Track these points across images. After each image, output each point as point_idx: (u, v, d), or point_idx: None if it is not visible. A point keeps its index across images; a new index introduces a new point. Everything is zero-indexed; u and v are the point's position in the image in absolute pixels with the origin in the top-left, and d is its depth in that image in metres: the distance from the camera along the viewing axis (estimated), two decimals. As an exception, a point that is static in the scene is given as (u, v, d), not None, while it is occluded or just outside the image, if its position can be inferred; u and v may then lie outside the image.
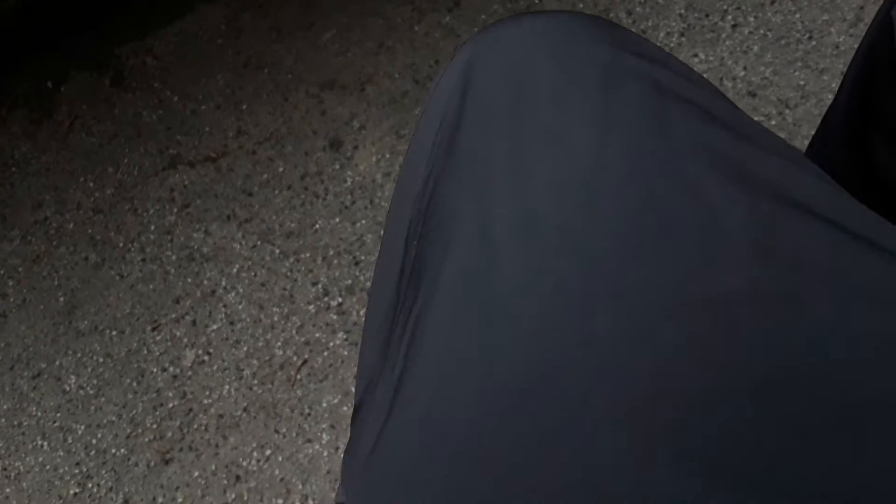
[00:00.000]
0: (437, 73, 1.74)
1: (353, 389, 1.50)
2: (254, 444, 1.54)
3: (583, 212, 0.49)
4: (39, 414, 1.70)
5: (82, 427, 1.66)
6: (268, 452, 1.52)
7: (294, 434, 1.52)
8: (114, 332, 1.72)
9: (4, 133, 2.04)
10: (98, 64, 2.05)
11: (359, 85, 1.81)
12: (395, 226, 0.61)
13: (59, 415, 1.69)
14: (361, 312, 1.57)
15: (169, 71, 1.99)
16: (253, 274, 1.69)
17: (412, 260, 0.56)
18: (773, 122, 1.51)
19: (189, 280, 1.73)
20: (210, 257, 1.73)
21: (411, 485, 0.48)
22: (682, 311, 0.45)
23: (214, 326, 1.66)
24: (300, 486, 1.48)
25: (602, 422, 0.43)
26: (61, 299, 1.80)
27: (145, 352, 1.69)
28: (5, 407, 1.73)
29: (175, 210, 1.81)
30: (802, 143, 1.47)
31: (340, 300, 1.61)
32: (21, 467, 1.66)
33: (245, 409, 1.57)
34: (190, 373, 1.64)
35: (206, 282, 1.71)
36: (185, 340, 1.67)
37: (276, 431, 1.53)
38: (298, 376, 1.57)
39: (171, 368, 1.65)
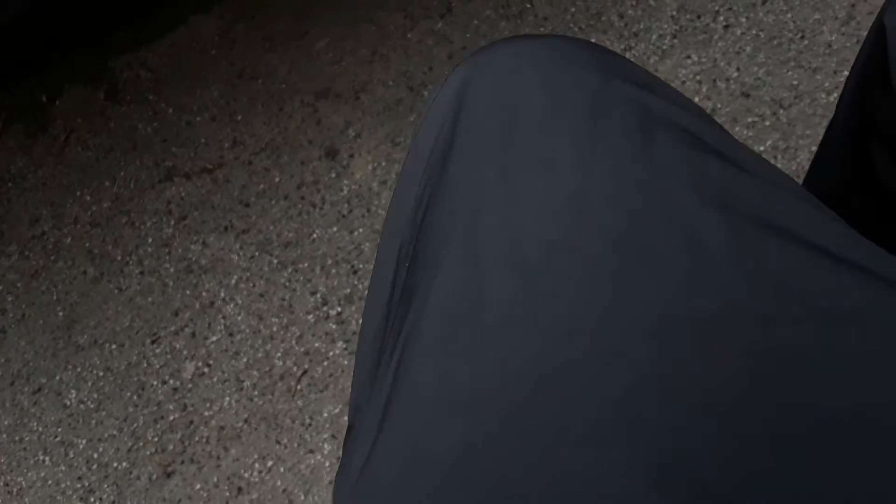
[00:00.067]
0: (431, 79, 1.75)
1: (353, 398, 1.50)
2: (255, 456, 1.54)
3: (566, 235, 0.50)
4: (40, 429, 1.70)
5: (83, 441, 1.66)
6: (269, 464, 1.52)
7: (295, 445, 1.52)
8: (113, 346, 1.72)
9: (0, 148, 2.04)
10: (92, 77, 2.05)
11: (353, 93, 1.81)
12: (388, 246, 0.62)
13: (60, 429, 1.69)
14: (361, 321, 1.58)
15: (163, 83, 1.99)
16: (251, 285, 1.69)
17: (402, 281, 0.57)
18: (767, 123, 1.51)
19: (188, 292, 1.73)
20: (208, 269, 1.73)
21: None
22: (662, 332, 0.45)
23: (214, 338, 1.66)
24: (302, 497, 1.48)
25: (583, 444, 0.44)
26: (60, 314, 1.80)
27: (145, 365, 1.69)
28: (6, 422, 1.73)
29: (172, 222, 1.81)
30: (797, 143, 1.47)
31: (339, 309, 1.61)
32: (23, 483, 1.66)
33: (246, 421, 1.57)
34: (190, 385, 1.64)
35: (204, 293, 1.71)
36: (185, 353, 1.67)
37: (278, 442, 1.54)
38: (299, 387, 1.57)
39: (172, 381, 1.65)
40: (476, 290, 0.50)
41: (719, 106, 1.55)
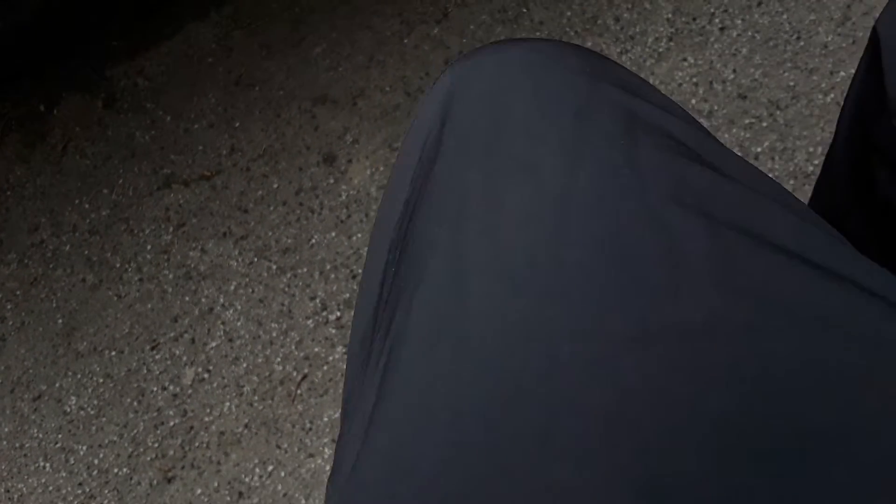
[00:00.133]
0: (428, 84, 1.75)
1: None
2: (256, 461, 1.54)
3: (548, 244, 0.49)
4: (41, 436, 1.70)
5: (84, 447, 1.66)
6: (270, 468, 1.52)
7: (296, 449, 1.52)
8: (113, 353, 1.72)
9: (-2, 157, 2.04)
10: (90, 86, 2.06)
11: (350, 99, 1.81)
12: (377, 250, 0.62)
13: (60, 436, 1.69)
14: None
15: (161, 91, 1.99)
16: (250, 290, 1.69)
17: (389, 287, 0.57)
18: (764, 124, 1.51)
19: (187, 298, 1.73)
20: (207, 275, 1.74)
21: None
22: (641, 343, 0.45)
23: (213, 344, 1.66)
24: (303, 501, 1.48)
25: (564, 458, 0.43)
26: (60, 321, 1.80)
27: (145, 371, 1.69)
28: (7, 429, 1.73)
29: (171, 229, 1.81)
30: (794, 144, 1.48)
31: (339, 314, 1.61)
32: (24, 489, 1.66)
33: (246, 426, 1.57)
34: (190, 391, 1.64)
35: (203, 300, 1.72)
36: (185, 359, 1.67)
37: (278, 447, 1.54)
38: (299, 391, 1.57)
39: (171, 387, 1.65)
40: (458, 299, 0.50)
41: (716, 108, 1.55)
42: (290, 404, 1.56)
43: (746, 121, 1.52)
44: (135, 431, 1.64)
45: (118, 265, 1.81)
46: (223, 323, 1.68)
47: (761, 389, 0.42)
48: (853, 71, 0.77)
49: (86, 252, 1.85)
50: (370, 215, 1.66)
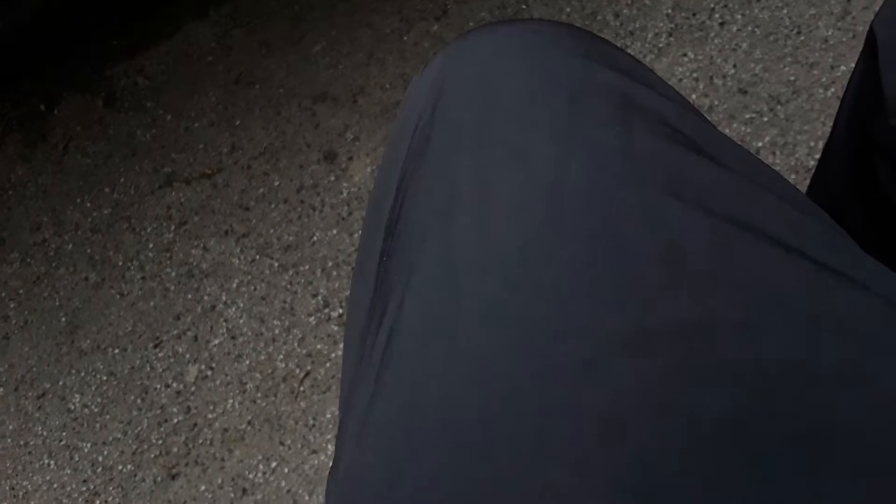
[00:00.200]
0: (428, 81, 1.75)
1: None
2: (259, 457, 1.54)
3: (542, 237, 0.48)
4: (45, 433, 1.70)
5: (88, 445, 1.66)
6: (273, 465, 1.52)
7: (299, 446, 1.53)
8: (116, 351, 1.73)
9: (0, 157, 2.04)
10: (90, 85, 2.06)
11: (351, 96, 1.81)
12: (371, 239, 0.60)
13: (64, 433, 1.69)
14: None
15: (161, 90, 1.99)
16: (253, 288, 1.70)
17: (382, 277, 0.56)
18: (765, 119, 1.51)
19: (189, 296, 1.73)
20: (209, 273, 1.74)
21: None
22: (637, 343, 0.44)
23: (216, 341, 1.67)
24: (307, 498, 1.48)
25: (558, 460, 0.42)
26: (63, 319, 1.80)
27: (148, 369, 1.69)
28: (11, 427, 1.73)
29: (173, 227, 1.81)
30: (795, 139, 1.48)
31: (341, 311, 1.61)
32: (28, 486, 1.66)
33: (249, 423, 1.57)
34: (193, 388, 1.64)
35: (206, 297, 1.72)
36: (188, 356, 1.67)
37: (282, 443, 1.54)
38: (302, 388, 1.57)
39: (175, 384, 1.65)
40: (450, 296, 0.49)
41: (716, 103, 1.55)
42: (293, 401, 1.56)
43: (747, 116, 1.52)
44: (138, 429, 1.64)
45: (120, 263, 1.81)
46: (226, 320, 1.68)
47: (756, 391, 0.41)
48: (854, 65, 0.76)
49: (88, 251, 1.85)
50: (372, 212, 1.66)
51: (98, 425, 1.67)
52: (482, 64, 0.58)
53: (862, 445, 0.40)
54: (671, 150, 0.51)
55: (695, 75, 1.59)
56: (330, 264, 1.66)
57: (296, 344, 1.61)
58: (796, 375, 0.42)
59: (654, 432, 0.41)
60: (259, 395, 1.59)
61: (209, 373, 1.64)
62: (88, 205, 1.91)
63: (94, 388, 1.71)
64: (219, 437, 1.58)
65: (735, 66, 1.57)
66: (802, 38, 1.55)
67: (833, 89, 1.48)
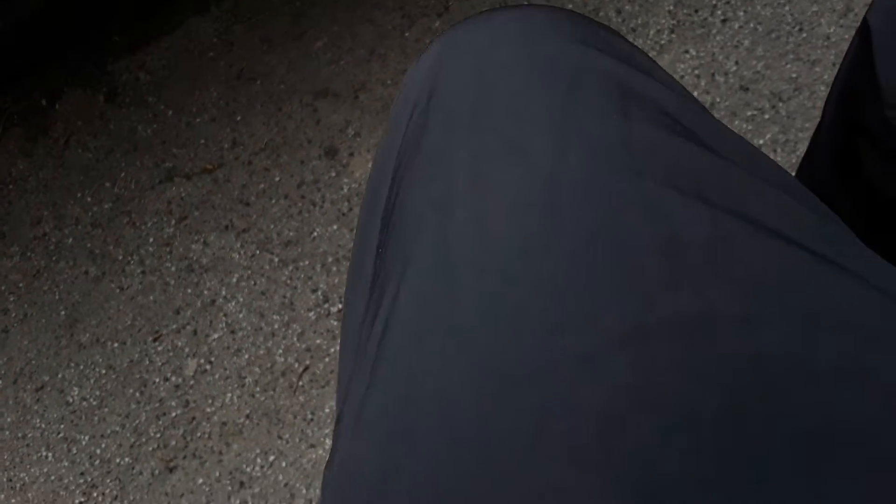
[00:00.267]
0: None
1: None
2: (257, 451, 1.54)
3: (540, 231, 0.47)
4: (43, 426, 1.70)
5: (86, 438, 1.66)
6: (271, 458, 1.52)
7: (297, 440, 1.52)
8: (115, 344, 1.73)
9: (1, 151, 2.04)
10: (91, 81, 2.06)
11: (352, 92, 1.81)
12: (368, 230, 0.60)
13: (62, 426, 1.69)
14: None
15: (162, 85, 1.99)
16: (252, 283, 1.69)
17: (378, 268, 0.55)
18: (766, 116, 1.51)
19: (189, 291, 1.73)
20: (209, 268, 1.74)
21: None
22: (636, 338, 0.43)
23: (215, 335, 1.67)
24: (304, 491, 1.48)
25: (556, 456, 0.42)
26: (62, 313, 1.80)
27: (147, 362, 1.69)
28: (9, 420, 1.73)
29: (173, 222, 1.81)
30: (797, 136, 1.48)
31: (340, 306, 1.61)
32: (26, 478, 1.66)
33: (248, 417, 1.57)
34: (192, 382, 1.64)
35: (205, 292, 1.72)
36: (187, 350, 1.67)
37: (280, 437, 1.54)
38: (300, 383, 1.57)
39: (174, 378, 1.65)
40: (446, 291, 0.48)
41: (718, 100, 1.55)
42: (292, 395, 1.56)
43: (749, 113, 1.52)
44: (137, 422, 1.64)
45: (120, 258, 1.81)
46: (225, 315, 1.68)
47: (756, 387, 0.41)
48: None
49: (88, 245, 1.85)
50: (372, 208, 1.66)
51: (96, 418, 1.67)
52: (478, 51, 0.58)
53: (861, 441, 0.40)
54: (670, 141, 0.51)
55: (696, 72, 1.58)
56: (330, 260, 1.66)
57: (295, 339, 1.61)
58: (796, 371, 0.41)
59: (653, 430, 0.41)
60: (258, 389, 1.59)
61: (208, 367, 1.64)
62: (89, 199, 1.91)
63: (92, 381, 1.71)
64: (217, 431, 1.57)
65: (737, 63, 1.57)
66: (804, 35, 1.55)
67: (835, 86, 1.48)
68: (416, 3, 1.84)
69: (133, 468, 1.60)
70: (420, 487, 0.44)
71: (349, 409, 0.51)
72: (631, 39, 1.62)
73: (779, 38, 1.56)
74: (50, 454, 1.67)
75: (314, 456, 1.50)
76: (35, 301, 1.84)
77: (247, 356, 1.62)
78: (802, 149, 1.46)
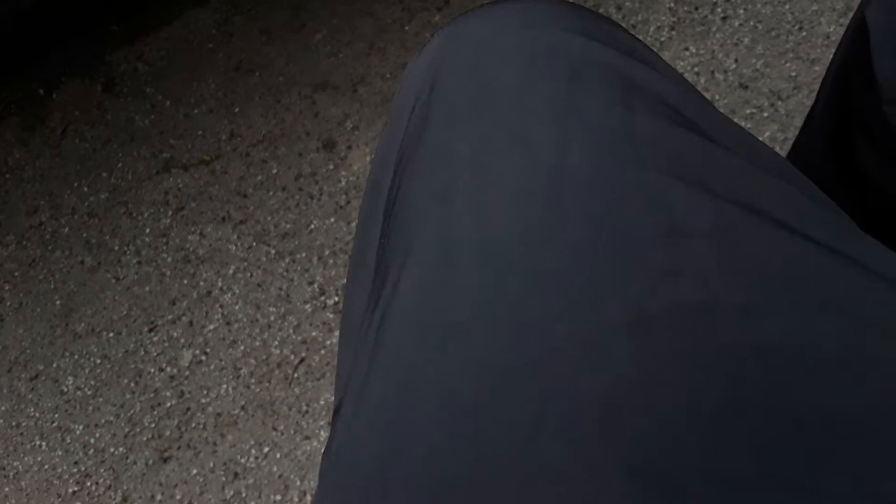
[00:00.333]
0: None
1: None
2: (252, 442, 1.54)
3: (543, 222, 0.47)
4: (37, 415, 1.70)
5: (80, 427, 1.66)
6: (266, 450, 1.52)
7: (292, 431, 1.52)
8: (111, 334, 1.72)
9: (-2, 140, 2.04)
10: (89, 70, 2.05)
11: (351, 86, 1.81)
12: (370, 222, 0.60)
13: (57, 415, 1.68)
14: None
15: (161, 76, 1.99)
16: (249, 275, 1.69)
17: (381, 260, 0.55)
18: (765, 114, 1.51)
19: (185, 282, 1.73)
20: (205, 259, 1.74)
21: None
22: (638, 327, 0.43)
23: (211, 327, 1.66)
24: (298, 483, 1.48)
25: (556, 443, 0.41)
26: (58, 302, 1.80)
27: (142, 353, 1.69)
28: (3, 408, 1.73)
29: (170, 213, 1.81)
30: (796, 134, 1.48)
31: (337, 299, 1.61)
32: (20, 467, 1.66)
33: (243, 408, 1.57)
34: (187, 373, 1.64)
35: (202, 283, 1.71)
36: (182, 341, 1.67)
37: (274, 429, 1.53)
38: (296, 374, 1.57)
39: (169, 368, 1.65)
40: (446, 280, 0.48)
41: (717, 98, 1.55)
42: (287, 387, 1.56)
43: (748, 111, 1.52)
44: (131, 412, 1.63)
45: (117, 248, 1.81)
46: (221, 306, 1.68)
47: (757, 377, 0.41)
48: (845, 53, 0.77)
49: (84, 235, 1.85)
50: (370, 201, 1.66)
51: (91, 408, 1.67)
52: (480, 44, 0.58)
53: (861, 433, 0.40)
54: (673, 132, 0.51)
55: (696, 70, 1.59)
56: (327, 252, 1.66)
57: (291, 331, 1.61)
58: (797, 361, 0.41)
59: (654, 418, 0.41)
60: (253, 380, 1.59)
61: (203, 358, 1.64)
62: (86, 189, 1.91)
63: (87, 370, 1.70)
64: (212, 422, 1.57)
65: (736, 60, 1.57)
66: (804, 33, 1.55)
67: (834, 85, 1.49)
68: (416, -4, 1.85)
69: (127, 458, 1.59)
70: (418, 475, 0.44)
71: (349, 398, 0.51)
72: (631, 36, 1.62)
73: (778, 37, 1.56)
74: (44, 443, 1.66)
75: (309, 448, 1.50)
76: (30, 290, 1.84)
77: (242, 347, 1.62)
78: (801, 147, 1.47)
